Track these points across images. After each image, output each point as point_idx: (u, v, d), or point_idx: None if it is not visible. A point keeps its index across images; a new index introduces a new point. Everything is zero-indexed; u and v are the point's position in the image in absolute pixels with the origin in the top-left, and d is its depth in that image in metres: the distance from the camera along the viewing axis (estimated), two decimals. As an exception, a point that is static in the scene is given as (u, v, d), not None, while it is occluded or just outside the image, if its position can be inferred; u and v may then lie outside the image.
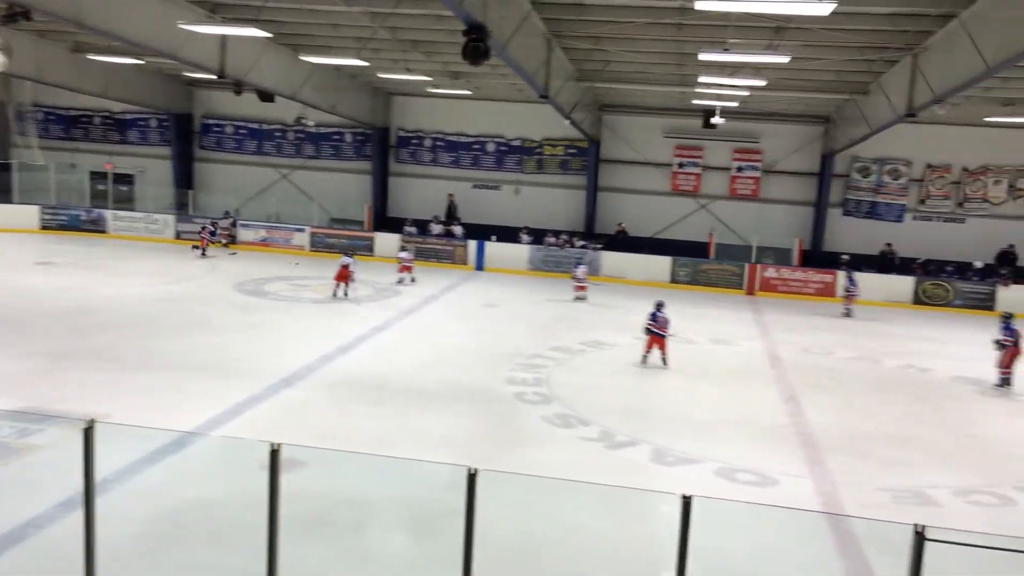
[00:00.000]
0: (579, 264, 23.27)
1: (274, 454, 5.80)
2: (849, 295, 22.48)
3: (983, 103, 21.48)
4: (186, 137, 31.29)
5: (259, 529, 6.00)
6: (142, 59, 23.48)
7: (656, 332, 15.45)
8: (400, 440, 10.74)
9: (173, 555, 7.52)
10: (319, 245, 27.63)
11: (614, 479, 9.68)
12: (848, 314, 22.25)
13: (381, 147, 29.99)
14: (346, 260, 20.60)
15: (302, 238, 27.84)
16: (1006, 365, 15.37)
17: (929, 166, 26.98)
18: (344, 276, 20.47)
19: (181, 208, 29.80)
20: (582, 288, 22.11)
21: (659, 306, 15.67)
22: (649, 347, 15.55)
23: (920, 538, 5.16)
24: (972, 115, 23.22)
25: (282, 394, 12.49)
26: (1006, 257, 25.45)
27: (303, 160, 31.00)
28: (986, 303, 23.75)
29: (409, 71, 21.67)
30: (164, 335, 15.54)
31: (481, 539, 5.77)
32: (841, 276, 23.76)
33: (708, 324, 19.97)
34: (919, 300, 24.56)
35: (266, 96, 23.23)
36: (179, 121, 30.83)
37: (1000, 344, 15.40)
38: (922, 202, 27.21)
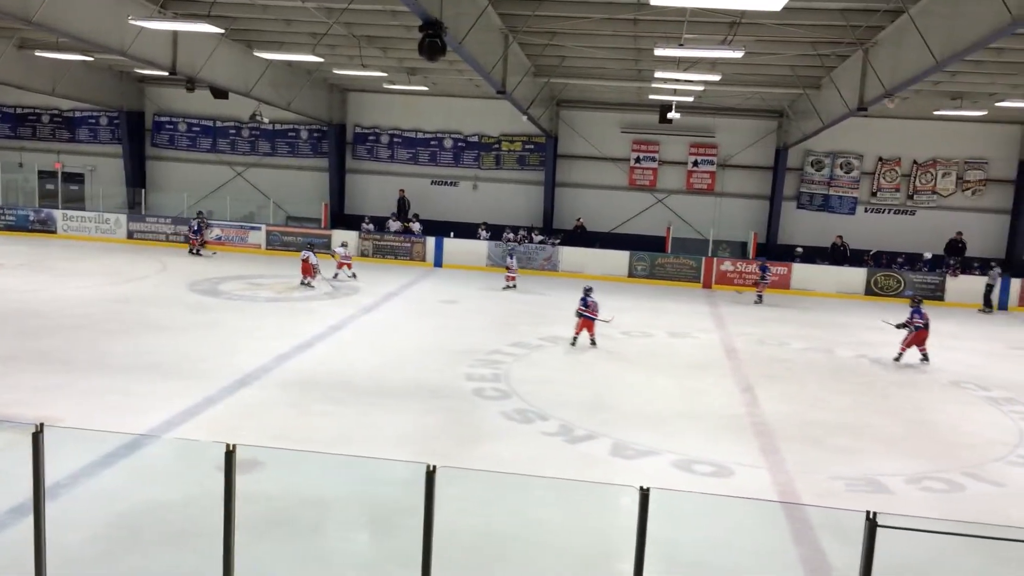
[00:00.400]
0: (511, 256, 24.01)
1: (229, 455, 5.75)
2: (762, 283, 23.58)
3: (932, 97, 21.93)
4: (138, 135, 30.67)
5: (216, 531, 5.94)
6: (91, 56, 23.00)
7: (587, 316, 16.42)
8: (359, 438, 10.68)
9: (128, 558, 7.40)
10: (275, 243, 27.36)
11: (574, 473, 9.73)
12: (759, 300, 23.20)
13: (337, 144, 29.71)
14: (306, 254, 21.66)
15: (258, 236, 27.55)
16: (918, 345, 16.64)
17: (880, 159, 27.45)
18: (307, 269, 21.48)
19: (133, 207, 29.33)
20: (512, 278, 23.26)
21: (588, 292, 16.70)
22: (579, 330, 16.58)
23: (872, 524, 5.25)
24: (921, 109, 23.69)
25: (239, 394, 12.34)
26: (954, 246, 25.98)
27: (258, 157, 30.61)
28: (936, 293, 24.25)
29: (365, 67, 21.50)
30: (117, 337, 15.27)
31: (441, 536, 5.76)
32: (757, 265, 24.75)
33: (665, 317, 20.16)
34: (871, 291, 25.01)
35: (219, 93, 22.94)
36: (130, 119, 30.21)
37: (913, 326, 16.63)
38: (873, 195, 27.68)
